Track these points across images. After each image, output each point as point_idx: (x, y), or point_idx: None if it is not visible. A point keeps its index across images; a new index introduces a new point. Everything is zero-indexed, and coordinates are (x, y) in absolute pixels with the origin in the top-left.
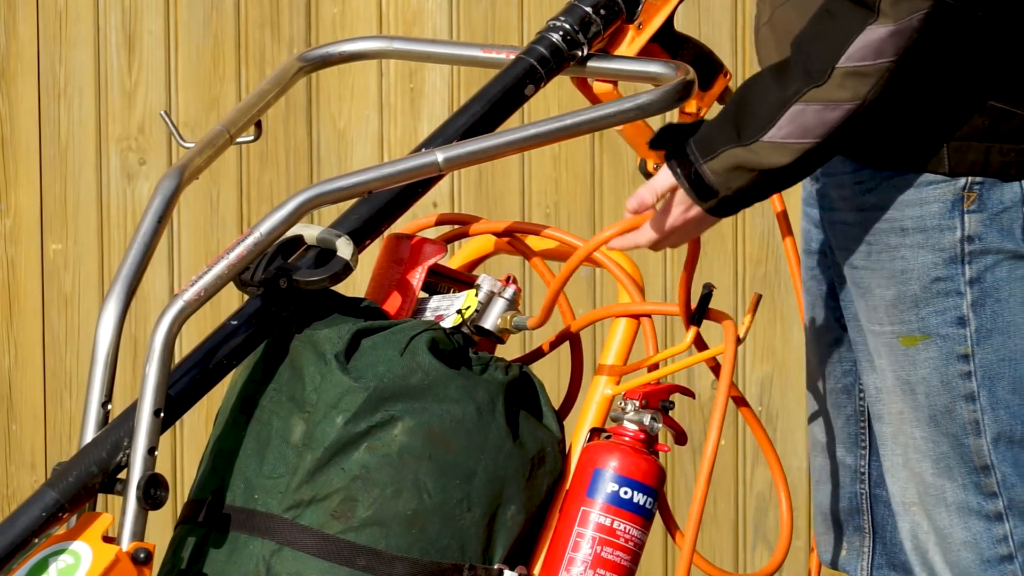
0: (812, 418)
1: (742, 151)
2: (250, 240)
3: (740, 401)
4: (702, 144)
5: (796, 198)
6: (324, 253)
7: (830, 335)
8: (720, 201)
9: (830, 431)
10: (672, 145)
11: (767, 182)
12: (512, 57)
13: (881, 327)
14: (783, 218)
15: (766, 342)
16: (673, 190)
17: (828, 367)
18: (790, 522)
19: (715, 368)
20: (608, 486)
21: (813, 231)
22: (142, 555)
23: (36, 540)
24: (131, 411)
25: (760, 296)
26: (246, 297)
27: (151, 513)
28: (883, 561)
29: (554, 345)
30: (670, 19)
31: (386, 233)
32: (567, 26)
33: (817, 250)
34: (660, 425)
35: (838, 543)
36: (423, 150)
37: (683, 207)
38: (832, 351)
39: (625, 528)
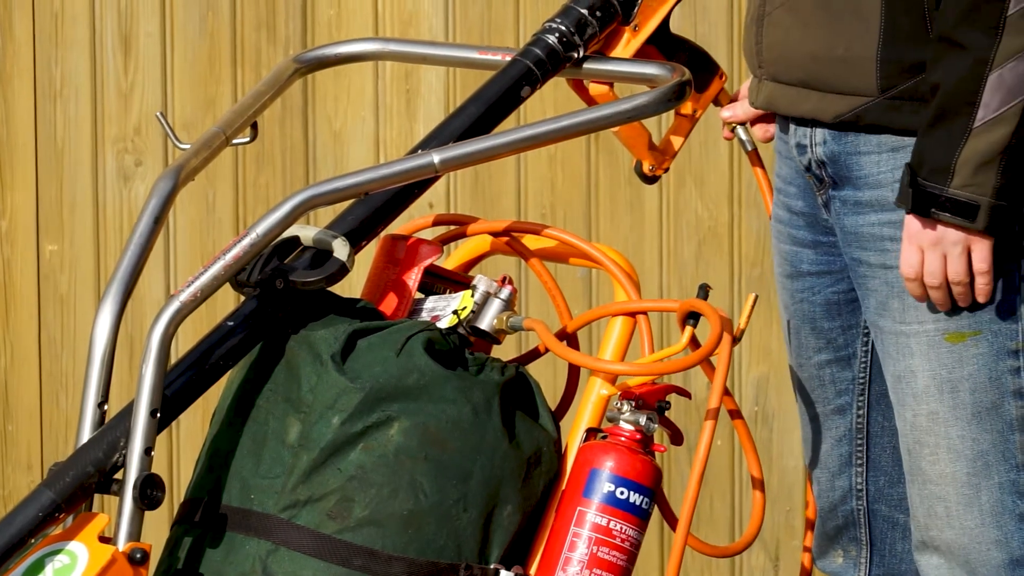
0: (804, 439)
1: (969, 151)
2: (246, 241)
3: (734, 413)
4: (931, 174)
5: None
6: (320, 254)
7: (821, 356)
8: (990, 211)
9: (817, 453)
10: (905, 199)
11: (1013, 160)
12: (508, 59)
13: (921, 325)
14: None
15: (762, 342)
16: (937, 242)
17: (819, 391)
18: (761, 511)
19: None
20: (604, 486)
21: (803, 252)
22: (138, 555)
23: (32, 540)
24: (127, 411)
25: (756, 296)
26: (242, 298)
27: (147, 513)
28: (880, 572)
29: None
30: (666, 21)
31: (382, 234)
32: (563, 28)
33: (809, 271)
34: (656, 425)
35: (834, 551)
36: (419, 151)
37: (960, 246)
38: (823, 372)
39: (621, 528)
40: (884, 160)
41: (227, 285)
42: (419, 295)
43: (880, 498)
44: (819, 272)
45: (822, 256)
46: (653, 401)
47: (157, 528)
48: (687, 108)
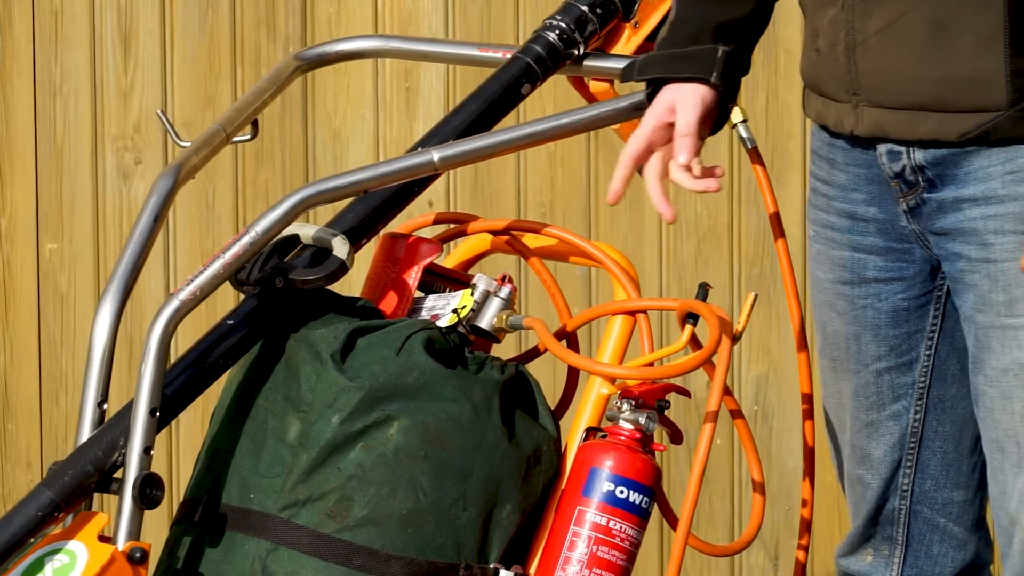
0: (853, 445)
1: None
2: (246, 239)
3: (735, 413)
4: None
5: (793, 206)
6: (320, 252)
7: (881, 364)
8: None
9: (866, 459)
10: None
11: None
12: (509, 56)
13: None
14: (775, 220)
15: (762, 341)
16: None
17: (874, 397)
18: (761, 510)
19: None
20: (604, 485)
21: (869, 259)
22: (138, 554)
23: (32, 540)
24: (127, 410)
25: (756, 295)
26: (242, 296)
27: (147, 512)
28: (913, 573)
29: None
30: (666, 18)
31: (382, 232)
32: (564, 25)
33: (876, 278)
34: (655, 424)
35: (864, 550)
36: (419, 149)
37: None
38: (882, 379)
39: (621, 527)
40: (995, 154)
41: (227, 283)
42: (419, 294)
43: (924, 500)
44: (887, 279)
45: (892, 263)
46: (652, 400)
47: (157, 527)
48: None
